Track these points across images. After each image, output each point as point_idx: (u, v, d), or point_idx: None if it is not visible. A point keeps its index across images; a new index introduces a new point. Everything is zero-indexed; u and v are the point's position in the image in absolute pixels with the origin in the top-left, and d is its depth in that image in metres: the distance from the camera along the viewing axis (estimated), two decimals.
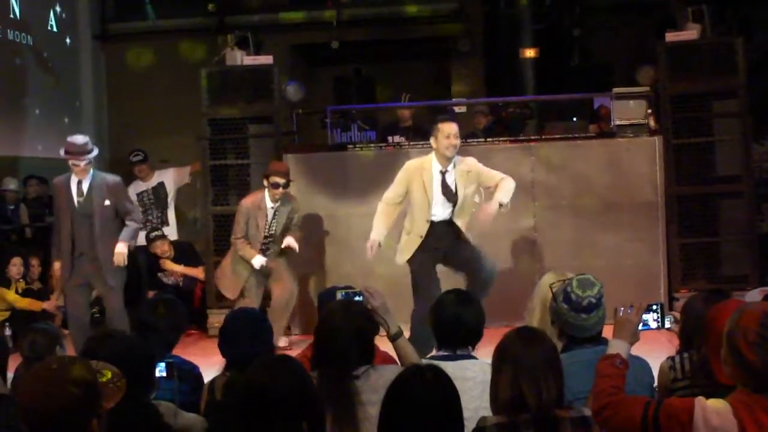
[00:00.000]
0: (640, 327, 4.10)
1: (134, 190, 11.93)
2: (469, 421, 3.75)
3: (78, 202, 8.99)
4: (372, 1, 16.74)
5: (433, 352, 4.83)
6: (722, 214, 10.65)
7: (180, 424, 4.33)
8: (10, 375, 5.36)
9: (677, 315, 5.10)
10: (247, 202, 9.93)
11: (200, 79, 11.12)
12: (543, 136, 11.33)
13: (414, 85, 15.34)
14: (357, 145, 11.08)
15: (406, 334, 5.00)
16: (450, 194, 8.58)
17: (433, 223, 8.61)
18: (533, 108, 13.54)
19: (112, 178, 9.34)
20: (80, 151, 8.92)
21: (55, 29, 15.77)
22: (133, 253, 11.13)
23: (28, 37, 14.87)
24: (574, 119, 12.88)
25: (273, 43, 13.99)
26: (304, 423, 3.41)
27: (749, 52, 10.94)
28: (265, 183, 9.81)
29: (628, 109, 10.78)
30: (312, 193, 10.90)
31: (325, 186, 10.84)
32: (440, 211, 8.62)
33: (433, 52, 17.82)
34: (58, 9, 15.88)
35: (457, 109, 14.12)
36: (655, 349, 5.79)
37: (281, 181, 9.70)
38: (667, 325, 4.60)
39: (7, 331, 10.30)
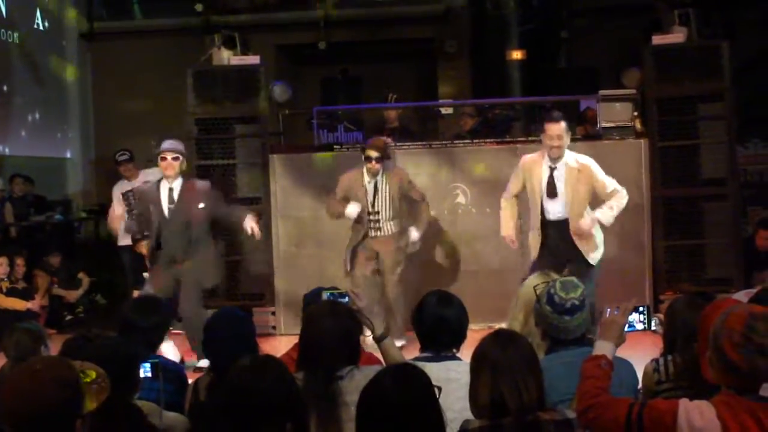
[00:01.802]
0: (627, 328, 4.11)
1: (120, 189, 11.85)
2: (454, 422, 3.75)
3: (168, 209, 8.94)
4: (359, 2, 16.74)
5: (417, 354, 4.82)
6: (707, 216, 10.69)
7: (164, 424, 4.32)
8: None
9: (662, 317, 5.11)
10: (345, 176, 9.77)
11: (187, 78, 11.11)
12: (529, 138, 11.33)
13: (401, 86, 15.34)
14: (343, 146, 11.08)
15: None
16: (552, 190, 8.66)
17: (549, 222, 8.70)
18: (520, 110, 13.54)
19: (203, 182, 9.31)
20: (170, 147, 8.96)
21: (41, 28, 15.74)
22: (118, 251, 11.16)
23: (15, 35, 14.85)
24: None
25: (260, 43, 13.99)
26: (288, 423, 3.41)
27: (734, 55, 10.96)
28: (363, 159, 9.71)
29: (614, 112, 10.81)
30: (298, 193, 10.91)
31: (310, 187, 10.84)
32: (553, 207, 8.70)
33: (419, 54, 17.84)
34: (45, 8, 15.85)
35: (443, 111, 14.13)
36: (640, 351, 5.80)
37: (373, 154, 9.49)
38: (653, 327, 4.60)
39: None
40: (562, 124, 8.61)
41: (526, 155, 9.08)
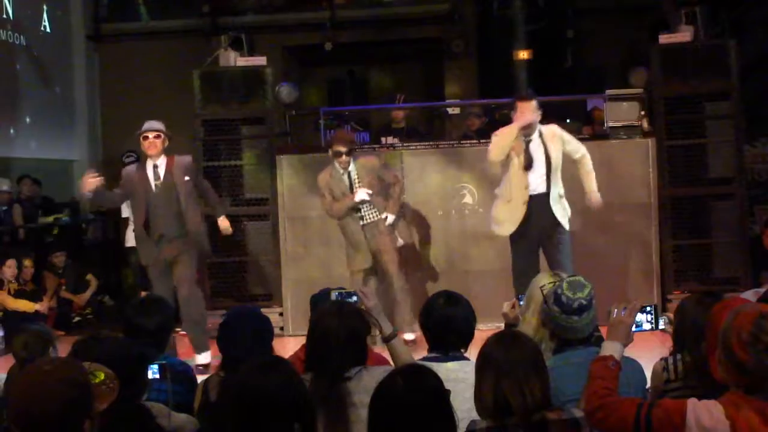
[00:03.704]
0: (634, 328, 4.10)
1: None
2: (463, 422, 3.75)
3: (156, 185, 9.09)
4: (365, 2, 16.75)
5: (425, 354, 4.82)
6: (715, 215, 10.68)
7: (173, 425, 4.32)
8: (2, 375, 5.35)
9: (671, 316, 5.10)
10: (321, 177, 9.78)
11: (193, 79, 11.12)
12: None
13: (407, 86, 15.38)
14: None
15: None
16: (530, 163, 8.74)
17: (531, 197, 8.79)
18: None
19: (185, 157, 9.39)
20: (150, 127, 9.09)
21: (48, 30, 15.76)
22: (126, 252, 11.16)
23: (22, 37, 14.86)
24: (568, 121, 12.84)
25: (266, 44, 13.99)
26: (296, 424, 3.41)
27: (742, 54, 10.94)
28: (330, 154, 9.72)
29: (621, 111, 10.78)
30: (305, 194, 10.90)
31: (317, 187, 10.82)
32: (533, 180, 8.78)
33: (426, 54, 17.84)
34: (51, 9, 15.86)
35: (450, 111, 14.12)
36: (648, 350, 5.79)
37: (342, 149, 9.52)
38: (661, 326, 4.59)
39: (0, 332, 10.31)
40: (534, 102, 8.78)
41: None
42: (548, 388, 3.73)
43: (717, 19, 11.79)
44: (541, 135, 8.82)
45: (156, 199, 9.07)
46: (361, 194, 9.56)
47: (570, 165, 9.04)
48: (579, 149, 9.01)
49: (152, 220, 9.10)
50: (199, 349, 9.13)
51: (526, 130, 8.74)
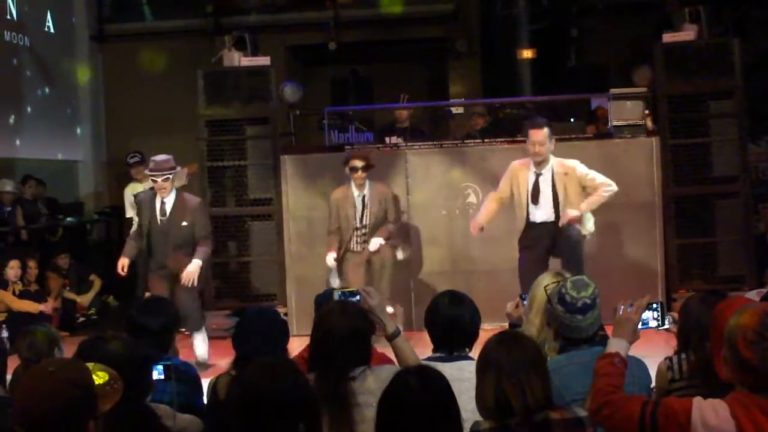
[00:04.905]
0: (640, 326, 4.10)
1: (131, 191, 11.89)
2: (468, 422, 3.74)
3: (161, 220, 9.17)
4: (369, 2, 16.74)
5: (430, 354, 4.82)
6: (719, 214, 10.67)
7: (178, 426, 4.32)
8: (8, 377, 5.35)
9: (676, 315, 5.09)
10: (335, 193, 9.97)
11: (197, 80, 11.12)
12: None
13: (411, 86, 15.33)
14: (354, 146, 11.07)
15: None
16: (536, 196, 8.82)
17: (533, 224, 8.92)
18: (531, 109, 13.52)
19: (194, 199, 9.43)
20: (158, 168, 9.07)
21: (51, 30, 15.77)
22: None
23: (25, 38, 14.87)
24: (572, 120, 12.86)
25: (270, 44, 13.99)
26: (300, 424, 3.40)
27: (746, 52, 10.94)
28: (346, 171, 9.83)
29: (625, 110, 10.79)
30: (309, 194, 10.91)
31: (322, 187, 10.83)
32: (538, 212, 8.90)
33: (430, 53, 17.82)
34: (55, 10, 15.87)
35: (454, 110, 14.11)
36: (653, 349, 5.78)
37: (359, 164, 9.70)
38: (666, 325, 4.58)
39: (4, 333, 10.29)
40: (545, 130, 8.83)
41: (516, 160, 9.26)
42: (549, 388, 3.72)
43: (721, 17, 11.81)
44: (552, 171, 8.86)
45: (157, 232, 9.20)
46: (330, 259, 9.88)
47: None
48: (594, 183, 8.88)
49: (153, 249, 9.22)
50: (195, 329, 9.28)
51: (537, 162, 8.84)
